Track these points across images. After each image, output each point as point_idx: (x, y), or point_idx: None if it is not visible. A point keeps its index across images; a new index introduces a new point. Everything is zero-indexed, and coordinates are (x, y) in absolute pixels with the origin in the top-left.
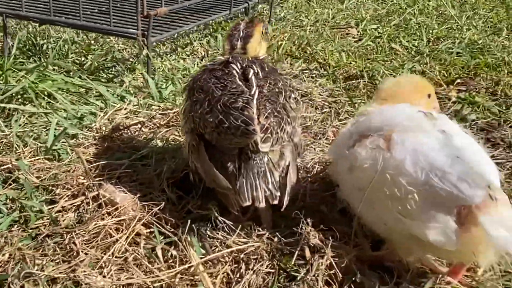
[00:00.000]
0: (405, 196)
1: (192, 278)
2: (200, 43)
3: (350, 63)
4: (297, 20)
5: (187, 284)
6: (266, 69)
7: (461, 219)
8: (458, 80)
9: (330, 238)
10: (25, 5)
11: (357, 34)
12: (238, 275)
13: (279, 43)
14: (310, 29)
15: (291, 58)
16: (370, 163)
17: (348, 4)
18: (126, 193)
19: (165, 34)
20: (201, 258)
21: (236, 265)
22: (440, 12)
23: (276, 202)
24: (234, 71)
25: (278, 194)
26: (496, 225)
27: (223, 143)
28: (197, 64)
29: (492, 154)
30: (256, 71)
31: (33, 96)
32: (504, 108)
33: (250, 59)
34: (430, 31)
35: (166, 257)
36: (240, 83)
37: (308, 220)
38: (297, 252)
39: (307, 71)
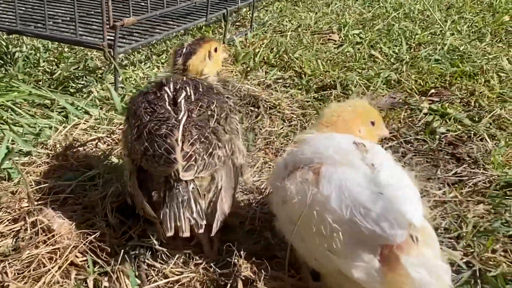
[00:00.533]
0: (331, 233)
1: None
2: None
3: (327, 71)
4: (280, 25)
5: None
6: (201, 89)
7: (385, 258)
8: (433, 90)
9: (263, 270)
10: None
11: (339, 40)
12: None
13: (256, 50)
14: (291, 34)
15: (267, 66)
16: (298, 198)
17: (334, 7)
18: (64, 219)
19: (133, 44)
20: None
21: None
22: (425, 16)
23: (201, 231)
24: (165, 95)
25: (204, 223)
26: (417, 266)
27: (151, 170)
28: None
29: (455, 171)
30: (188, 94)
31: None
32: (476, 119)
33: (185, 79)
34: (413, 37)
35: None
36: (169, 107)
37: (241, 252)
38: (229, 284)
39: (281, 80)
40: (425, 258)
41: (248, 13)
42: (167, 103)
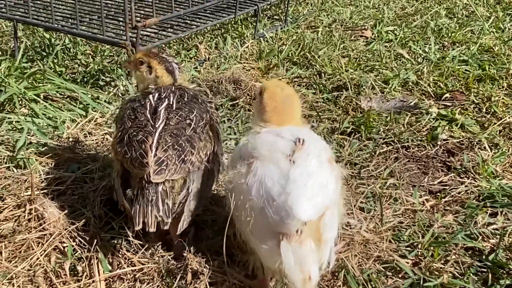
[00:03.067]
0: (250, 218)
1: None
2: (209, 45)
3: (347, 71)
4: (315, 19)
5: None
6: (186, 99)
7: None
8: (447, 95)
9: (209, 265)
10: (32, 12)
11: (371, 37)
12: None
13: (282, 47)
14: (322, 30)
15: (290, 63)
16: (232, 185)
17: (377, 0)
18: (55, 209)
19: (157, 42)
20: (105, 274)
21: (133, 283)
22: (469, 11)
23: (166, 227)
24: (148, 103)
25: (169, 221)
26: (288, 252)
27: (130, 171)
28: (197, 69)
29: (442, 179)
30: (171, 103)
31: (17, 104)
32: (486, 126)
33: (173, 88)
34: (449, 34)
35: (76, 272)
36: (148, 115)
37: (191, 248)
38: (180, 275)
39: (298, 79)
40: (299, 248)
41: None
42: (147, 111)
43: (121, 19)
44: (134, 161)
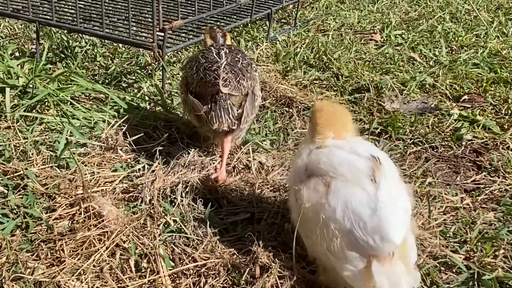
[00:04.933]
0: (332, 238)
1: None
2: None
3: (363, 73)
4: (324, 23)
5: None
6: (233, 50)
7: (368, 265)
8: (465, 96)
9: (277, 259)
10: (56, 14)
11: (380, 40)
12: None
13: (297, 50)
14: (333, 34)
15: (306, 65)
16: (309, 204)
17: (380, 5)
18: (112, 207)
19: (181, 44)
20: (169, 270)
21: (197, 279)
22: (472, 16)
23: (234, 127)
24: (214, 51)
25: (236, 122)
26: (381, 273)
27: (203, 91)
28: None
29: (474, 178)
30: (226, 51)
31: (52, 104)
32: (506, 127)
33: (222, 46)
34: (456, 39)
35: (139, 268)
36: (216, 56)
37: (260, 241)
38: (247, 270)
39: (318, 82)
40: (391, 269)
41: (294, 10)
42: (214, 54)
43: (145, 22)
44: (209, 81)
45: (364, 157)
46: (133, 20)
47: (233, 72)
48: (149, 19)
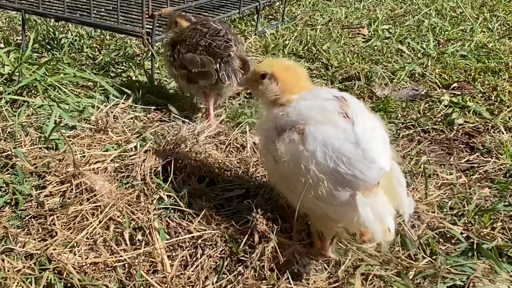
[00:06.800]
0: (317, 182)
1: (153, 260)
2: None
3: (353, 64)
4: (311, 19)
5: (149, 265)
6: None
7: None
8: (455, 84)
9: (276, 226)
10: (42, 2)
11: (368, 34)
12: (194, 259)
13: (286, 42)
14: (321, 28)
15: (296, 57)
16: (288, 157)
17: (366, 3)
18: (105, 182)
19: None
20: (165, 242)
21: (194, 250)
22: (457, 13)
23: (240, 80)
24: (209, 21)
25: (240, 78)
26: (365, 204)
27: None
28: None
29: (468, 158)
30: (217, 22)
31: (40, 89)
32: (496, 113)
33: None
34: (442, 33)
35: (133, 241)
36: (216, 25)
37: (259, 209)
38: (245, 238)
39: (308, 71)
40: (375, 200)
41: (281, 7)
42: (212, 23)
43: (133, 10)
44: (220, 46)
45: (329, 99)
46: (122, 9)
47: (234, 38)
48: (136, 9)
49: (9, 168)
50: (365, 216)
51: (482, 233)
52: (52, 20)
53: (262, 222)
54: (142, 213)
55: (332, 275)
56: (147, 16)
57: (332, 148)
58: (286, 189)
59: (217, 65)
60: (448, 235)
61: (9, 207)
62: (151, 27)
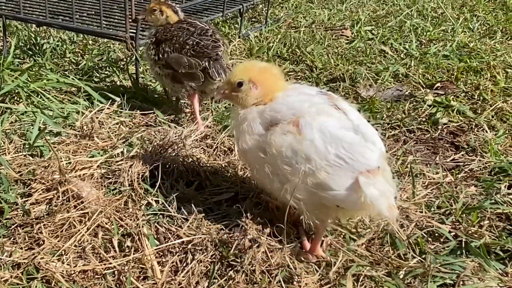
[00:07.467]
0: (318, 170)
1: (143, 266)
2: None
3: (337, 65)
4: (294, 21)
5: (139, 271)
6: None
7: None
8: (438, 84)
9: (265, 229)
10: (23, 8)
11: (351, 36)
12: (184, 264)
13: (270, 44)
14: (304, 30)
15: (280, 59)
16: (285, 147)
17: (349, 5)
18: (92, 188)
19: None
20: (154, 248)
21: (184, 255)
22: (438, 13)
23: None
24: (195, 21)
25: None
26: (370, 185)
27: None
28: None
29: (453, 157)
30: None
31: (23, 95)
32: (479, 111)
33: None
34: (424, 33)
35: (122, 247)
36: (203, 24)
37: (248, 213)
38: (236, 242)
39: (292, 73)
40: (378, 180)
41: (264, 9)
42: (199, 23)
43: (117, 14)
44: (208, 45)
45: (315, 94)
46: (104, 13)
47: (221, 39)
48: (119, 14)
49: None
50: (370, 195)
51: (470, 231)
52: (34, 25)
53: (252, 226)
54: (131, 219)
55: (323, 277)
56: (130, 20)
57: (331, 135)
58: (276, 183)
59: (206, 63)
60: (436, 234)
61: None
62: (134, 31)
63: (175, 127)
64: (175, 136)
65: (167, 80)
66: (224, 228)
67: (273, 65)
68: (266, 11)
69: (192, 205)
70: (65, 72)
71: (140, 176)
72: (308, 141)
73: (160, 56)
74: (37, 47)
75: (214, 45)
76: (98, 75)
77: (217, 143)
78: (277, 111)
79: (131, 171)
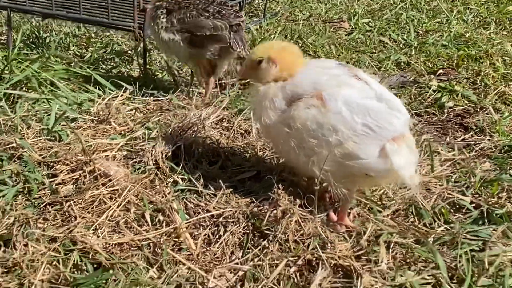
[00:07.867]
0: (346, 140)
1: (176, 239)
2: None
3: (339, 55)
4: (292, 15)
5: (172, 244)
6: None
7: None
8: (441, 71)
9: (298, 201)
10: (29, 1)
11: (349, 28)
12: (217, 236)
13: (272, 36)
14: (303, 23)
15: None
16: (310, 121)
17: None
18: (119, 166)
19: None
20: (186, 222)
21: (216, 228)
22: (432, 6)
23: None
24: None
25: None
26: (396, 153)
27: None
28: None
29: (463, 137)
30: None
31: (36, 84)
32: (482, 96)
33: None
34: (420, 25)
35: (154, 222)
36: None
37: (280, 185)
38: (268, 213)
39: None
40: (403, 148)
41: (261, 4)
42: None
43: (124, 5)
44: (230, 14)
45: (334, 67)
46: (111, 3)
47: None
48: (127, 3)
49: (16, 159)
50: (396, 164)
51: (490, 202)
52: (35, 20)
53: (284, 196)
54: (159, 196)
55: (355, 244)
56: (138, 10)
57: (357, 105)
58: (302, 157)
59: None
60: (457, 206)
61: (22, 196)
62: (142, 21)
63: (194, 109)
64: (195, 118)
65: (183, 46)
66: (255, 201)
67: (292, 44)
68: (263, 5)
69: (220, 181)
70: (70, 65)
71: (164, 156)
72: (334, 113)
73: (174, 21)
74: (40, 41)
75: (236, 15)
76: (104, 66)
77: (234, 126)
78: (298, 86)
79: (155, 151)
